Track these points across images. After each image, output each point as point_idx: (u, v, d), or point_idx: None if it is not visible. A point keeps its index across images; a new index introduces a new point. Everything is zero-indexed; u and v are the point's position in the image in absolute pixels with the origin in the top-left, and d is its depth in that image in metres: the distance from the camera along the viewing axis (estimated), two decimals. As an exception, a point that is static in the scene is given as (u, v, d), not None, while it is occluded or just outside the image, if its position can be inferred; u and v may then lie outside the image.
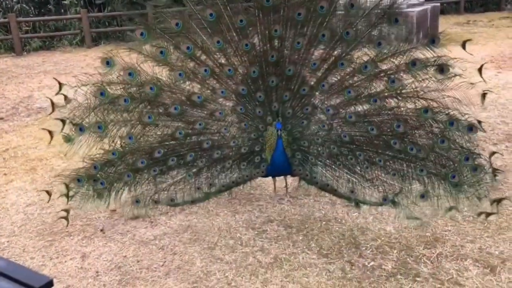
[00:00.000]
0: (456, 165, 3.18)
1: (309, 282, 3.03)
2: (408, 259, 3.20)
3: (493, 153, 3.28)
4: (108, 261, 3.39)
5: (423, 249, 3.29)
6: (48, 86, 8.94)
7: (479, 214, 3.29)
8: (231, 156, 3.58)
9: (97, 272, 3.27)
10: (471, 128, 3.18)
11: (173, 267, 3.27)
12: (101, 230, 3.75)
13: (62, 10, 15.16)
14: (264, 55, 3.41)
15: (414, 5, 11.31)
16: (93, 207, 3.59)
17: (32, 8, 15.05)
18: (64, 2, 14.87)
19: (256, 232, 3.63)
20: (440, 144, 3.18)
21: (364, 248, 3.35)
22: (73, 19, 14.63)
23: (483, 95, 3.29)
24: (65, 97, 3.44)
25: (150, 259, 3.38)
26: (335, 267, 3.16)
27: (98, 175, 3.43)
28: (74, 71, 10.61)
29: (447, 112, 3.18)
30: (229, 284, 3.05)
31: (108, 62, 3.42)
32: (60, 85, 3.44)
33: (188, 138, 3.53)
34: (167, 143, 3.51)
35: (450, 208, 3.24)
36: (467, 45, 3.24)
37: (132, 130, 3.46)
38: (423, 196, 3.27)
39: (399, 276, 3.03)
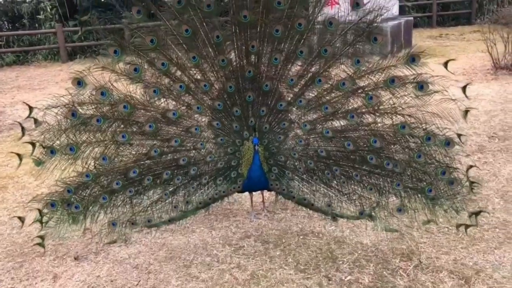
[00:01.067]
0: (432, 179, 3.20)
1: (286, 298, 3.00)
2: (384, 272, 3.20)
3: (470, 166, 3.30)
4: (80, 281, 3.30)
5: (399, 262, 3.30)
6: (21, 102, 8.77)
7: (458, 226, 3.32)
8: (207, 172, 3.55)
9: (69, 293, 3.18)
10: (448, 142, 3.21)
11: (148, 287, 3.20)
12: (75, 258, 3.60)
13: (37, 25, 14.98)
14: (241, 71, 3.40)
15: (388, 19, 11.54)
16: (68, 231, 3.46)
17: (6, 23, 14.82)
18: (39, 16, 14.70)
19: (233, 249, 3.59)
20: (416, 159, 3.19)
21: (341, 262, 3.34)
22: (48, 33, 14.47)
23: (466, 112, 3.31)
24: (35, 120, 3.29)
25: (125, 278, 3.30)
26: (313, 282, 3.14)
27: (72, 199, 3.33)
28: (48, 86, 10.45)
29: (424, 127, 3.20)
30: (205, 303, 3.00)
31: (79, 82, 3.30)
32: (30, 108, 3.30)
33: (164, 156, 3.48)
34: (142, 162, 3.43)
35: (428, 221, 3.27)
36: (441, 58, 3.30)
37: (106, 151, 3.37)
38: (400, 209, 3.29)
39: (375, 290, 3.03)
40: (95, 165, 3.37)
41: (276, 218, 3.98)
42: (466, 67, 10.10)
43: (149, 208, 3.49)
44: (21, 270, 3.47)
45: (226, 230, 3.87)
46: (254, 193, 3.96)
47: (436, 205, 3.21)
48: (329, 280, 3.16)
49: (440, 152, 3.21)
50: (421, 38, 14.75)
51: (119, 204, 3.43)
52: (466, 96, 3.24)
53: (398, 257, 3.35)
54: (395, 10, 12.67)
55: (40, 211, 3.34)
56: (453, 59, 3.33)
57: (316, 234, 3.72)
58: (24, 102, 3.90)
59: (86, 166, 3.35)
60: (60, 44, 13.82)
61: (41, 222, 3.35)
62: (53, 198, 3.33)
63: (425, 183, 3.22)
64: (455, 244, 3.47)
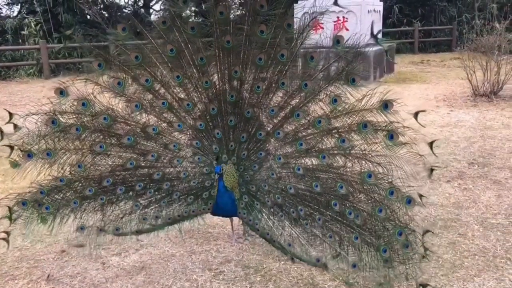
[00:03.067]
0: (390, 238, 3.04)
1: (266, 326, 2.94)
2: None
3: (427, 231, 3.11)
4: (54, 307, 3.20)
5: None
6: (1, 118, 8.62)
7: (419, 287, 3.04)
8: (180, 189, 3.54)
9: (42, 319, 3.08)
10: (409, 200, 3.05)
11: (124, 313, 3.11)
12: (48, 277, 3.53)
13: (20, 40, 14.87)
14: (223, 94, 3.41)
15: (370, 45, 11.77)
16: (35, 230, 3.48)
17: (-12, 38, 14.70)
18: (23, 32, 14.60)
19: (213, 274, 3.54)
20: (377, 213, 3.05)
21: (322, 289, 3.31)
22: (31, 49, 14.36)
23: (431, 144, 3.24)
24: (15, 125, 3.37)
25: (100, 304, 3.22)
26: (293, 309, 3.10)
27: (44, 200, 3.38)
28: (30, 102, 10.32)
29: (389, 180, 3.09)
30: (183, 330, 2.92)
31: (62, 92, 3.38)
32: (11, 114, 3.38)
33: (139, 169, 3.50)
34: (117, 173, 3.47)
35: (380, 284, 3.04)
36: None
37: (82, 159, 3.42)
38: (354, 265, 3.11)
39: (356, 318, 3.00)
40: (70, 171, 3.41)
41: (258, 242, 3.93)
42: (446, 93, 10.32)
43: (119, 217, 3.50)
44: (-8, 294, 3.36)
45: (207, 254, 3.81)
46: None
47: (389, 268, 3.00)
48: (310, 307, 3.12)
49: (400, 210, 3.05)
50: (403, 64, 15.07)
51: (90, 210, 3.48)
52: (419, 123, 3.10)
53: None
54: (379, 36, 12.93)
55: (10, 208, 3.36)
56: (423, 111, 3.24)
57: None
58: (5, 109, 3.93)
59: (62, 171, 3.40)
60: (43, 60, 13.70)
61: (10, 219, 3.37)
62: (25, 198, 3.38)
63: (382, 241, 3.04)
64: (435, 271, 3.48)
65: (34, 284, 3.46)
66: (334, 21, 11.87)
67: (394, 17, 19.42)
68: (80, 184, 3.43)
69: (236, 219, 3.94)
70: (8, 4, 18.31)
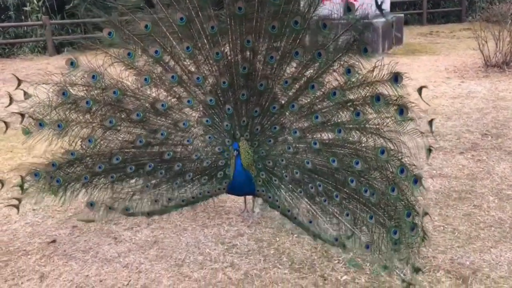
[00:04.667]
0: (400, 219, 2.95)
1: (281, 298, 2.93)
2: (381, 272, 3.14)
3: (426, 214, 2.96)
4: (68, 281, 3.19)
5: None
6: (6, 95, 8.56)
7: (402, 281, 2.91)
8: (192, 169, 3.47)
9: (56, 294, 3.08)
10: (416, 180, 2.94)
11: (138, 286, 3.10)
12: (53, 241, 3.58)
13: (23, 17, 14.69)
14: (235, 66, 3.30)
15: (379, 16, 11.51)
16: (47, 206, 3.60)
17: (-9, 15, 14.52)
18: (25, 8, 14.41)
19: (225, 247, 3.51)
20: (390, 192, 2.97)
21: (336, 262, 3.28)
22: (34, 25, 14.20)
23: (429, 151, 3.12)
24: (25, 92, 3.39)
25: (114, 278, 3.21)
26: (308, 282, 3.08)
27: (55, 173, 3.39)
28: (35, 79, 10.24)
29: (400, 157, 3.01)
30: (198, 303, 2.91)
31: (72, 63, 3.36)
32: (19, 81, 3.42)
33: (149, 147, 3.45)
34: (127, 150, 3.43)
35: (385, 267, 2.98)
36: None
37: (93, 133, 3.40)
38: (368, 246, 3.04)
39: (372, 290, 2.97)
40: (81, 145, 3.41)
41: (270, 216, 3.89)
42: (457, 65, 10.11)
43: (129, 197, 3.48)
44: (6, 270, 3.35)
45: (219, 228, 3.79)
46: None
47: (396, 251, 2.90)
48: (325, 280, 3.10)
49: (408, 189, 2.96)
50: (411, 35, 14.77)
51: (100, 186, 3.47)
52: (422, 99, 2.93)
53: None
54: (386, 7, 12.65)
55: (22, 178, 3.41)
56: (425, 87, 3.06)
57: (311, 232, 3.65)
58: (13, 74, 4.04)
59: (73, 145, 3.41)
60: (47, 37, 13.55)
61: (21, 188, 3.43)
62: (38, 169, 3.40)
63: (393, 222, 2.95)
64: (451, 243, 3.43)
65: (47, 259, 3.46)
66: (342, -8, 11.59)
67: (402, -12, 18.96)
68: (91, 160, 3.42)
69: (249, 198, 3.89)
70: (9, -20, 18.03)
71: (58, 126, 3.35)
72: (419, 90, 2.96)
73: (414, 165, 3.04)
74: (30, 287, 3.15)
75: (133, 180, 3.51)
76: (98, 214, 3.51)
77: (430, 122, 3.03)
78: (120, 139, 3.45)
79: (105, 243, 3.62)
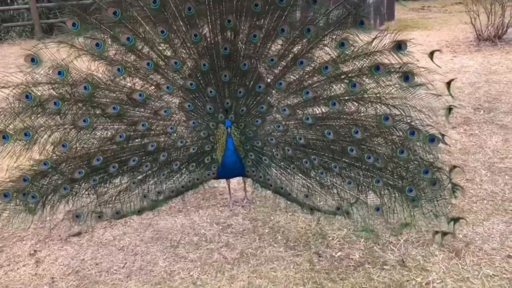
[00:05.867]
0: (414, 178, 2.98)
1: (276, 276, 2.95)
2: (375, 247, 3.18)
3: (454, 167, 3.06)
4: (64, 265, 3.20)
5: (389, 237, 3.27)
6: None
7: (435, 233, 3.10)
8: (178, 157, 3.31)
9: (52, 278, 3.09)
10: (432, 139, 2.96)
11: (134, 269, 3.12)
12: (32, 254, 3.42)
13: (9, 1, 14.42)
14: (216, 47, 3.14)
15: (371, -9, 11.38)
16: (24, 222, 3.10)
17: (-24, -1, 14.23)
18: (11, -8, 14.14)
19: (220, 227, 3.53)
20: (399, 155, 2.98)
21: (331, 239, 3.31)
22: (21, 9, 13.93)
23: (448, 84, 3.08)
24: None
25: (110, 261, 3.22)
26: (303, 259, 3.10)
27: (28, 188, 3.01)
28: (24, 64, 10.10)
29: (408, 120, 2.99)
30: (194, 284, 2.93)
31: (33, 59, 2.95)
32: None
33: (131, 141, 3.20)
34: (106, 148, 3.15)
35: (405, 224, 3.06)
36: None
37: (66, 136, 3.06)
38: (378, 209, 3.05)
39: (367, 265, 3.01)
40: (54, 151, 3.06)
41: (264, 195, 3.90)
42: (449, 39, 10.07)
43: (116, 198, 3.20)
44: (1, 256, 3.35)
45: (214, 209, 3.80)
46: (232, 180, 3.79)
47: (416, 207, 2.99)
48: (320, 256, 3.12)
49: (423, 149, 2.98)
50: (403, 11, 14.66)
51: (82, 193, 3.15)
52: (435, 63, 2.95)
53: (388, 231, 3.33)
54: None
55: None
56: (438, 50, 3.06)
57: (305, 210, 3.66)
58: None
59: (44, 153, 3.04)
60: (34, 21, 13.32)
61: None
62: (7, 188, 3.00)
63: (406, 182, 2.98)
64: (444, 218, 3.45)
65: (42, 244, 3.46)
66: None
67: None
68: (67, 166, 3.09)
69: (234, 181, 3.83)
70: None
71: (25, 135, 2.96)
72: (431, 55, 2.96)
73: (430, 125, 3.01)
74: (27, 272, 3.16)
75: (117, 180, 3.23)
76: (87, 224, 3.22)
77: (448, 84, 3.01)
78: (97, 137, 3.15)
79: (99, 227, 3.62)
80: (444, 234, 3.03)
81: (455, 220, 2.98)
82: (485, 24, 9.24)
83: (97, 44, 3.04)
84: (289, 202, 3.35)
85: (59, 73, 2.99)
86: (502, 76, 7.15)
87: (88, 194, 3.17)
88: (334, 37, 3.05)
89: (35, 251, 3.41)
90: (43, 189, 3.05)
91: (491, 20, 9.18)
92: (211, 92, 3.24)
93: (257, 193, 3.95)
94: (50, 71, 2.98)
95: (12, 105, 2.92)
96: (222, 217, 3.67)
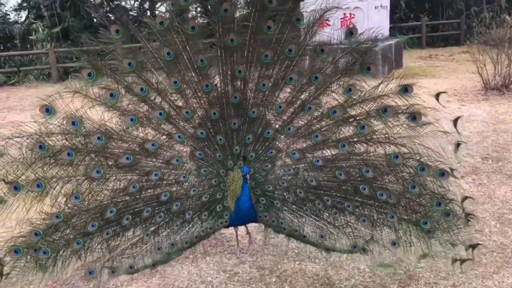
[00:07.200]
0: (428, 210, 3.07)
1: (283, 327, 2.92)
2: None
3: (466, 197, 3.11)
4: (70, 311, 3.19)
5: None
6: (12, 123, 8.67)
7: (454, 261, 3.11)
8: (191, 206, 3.28)
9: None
10: (442, 173, 3.07)
11: (140, 316, 3.10)
12: None
13: (28, 46, 14.99)
14: (226, 96, 3.23)
15: (378, 40, 11.67)
16: (34, 281, 2.98)
17: (-3, 43, 14.83)
18: (31, 37, 14.71)
19: (227, 275, 3.52)
20: (411, 190, 3.07)
21: (338, 289, 3.28)
22: (39, 54, 14.46)
23: (455, 121, 3.20)
24: None
25: (116, 308, 3.21)
26: (310, 310, 3.07)
27: (40, 243, 2.93)
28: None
29: (417, 157, 3.08)
30: (200, 333, 2.90)
31: (48, 110, 2.97)
32: None
33: (144, 191, 3.19)
34: (119, 199, 3.13)
35: (424, 255, 3.11)
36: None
37: (79, 187, 3.03)
38: (394, 243, 3.12)
39: (374, 318, 2.97)
40: (67, 203, 3.01)
41: (272, 243, 3.91)
42: (457, 88, 10.20)
43: (128, 251, 3.14)
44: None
45: (221, 256, 3.79)
46: (239, 226, 3.77)
47: (432, 238, 3.07)
48: (327, 307, 3.09)
49: (434, 183, 3.07)
50: (411, 59, 14.94)
51: (94, 247, 3.08)
52: (440, 104, 3.10)
53: (396, 282, 3.30)
54: (385, 32, 12.84)
55: (0, 260, 2.88)
56: (444, 92, 3.20)
57: (313, 259, 3.65)
58: None
59: (56, 205, 2.99)
60: (51, 65, 13.79)
61: (1, 274, 2.87)
62: (17, 244, 2.90)
63: (420, 215, 3.08)
64: (453, 269, 3.42)
65: (50, 289, 3.45)
66: (341, 18, 11.79)
67: (401, 12, 19.28)
68: (80, 219, 3.04)
69: (241, 228, 3.86)
70: (15, 10, 18.46)
71: (38, 186, 2.91)
72: (437, 96, 3.10)
73: (440, 160, 3.10)
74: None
75: (130, 232, 3.19)
76: (99, 281, 3.10)
77: (455, 122, 3.13)
78: (110, 188, 3.12)
79: (105, 272, 3.62)
80: (463, 261, 3.06)
81: (473, 246, 3.04)
82: (492, 74, 9.39)
83: (111, 95, 3.09)
84: (301, 246, 3.40)
85: (73, 123, 3.01)
86: (510, 125, 7.20)
87: (101, 248, 3.10)
88: (341, 83, 3.18)
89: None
90: (55, 243, 2.98)
91: (497, 69, 9.33)
92: (220, 140, 3.31)
93: (264, 241, 3.95)
94: (64, 121, 3.00)
95: (25, 155, 2.90)
96: (229, 264, 3.66)
